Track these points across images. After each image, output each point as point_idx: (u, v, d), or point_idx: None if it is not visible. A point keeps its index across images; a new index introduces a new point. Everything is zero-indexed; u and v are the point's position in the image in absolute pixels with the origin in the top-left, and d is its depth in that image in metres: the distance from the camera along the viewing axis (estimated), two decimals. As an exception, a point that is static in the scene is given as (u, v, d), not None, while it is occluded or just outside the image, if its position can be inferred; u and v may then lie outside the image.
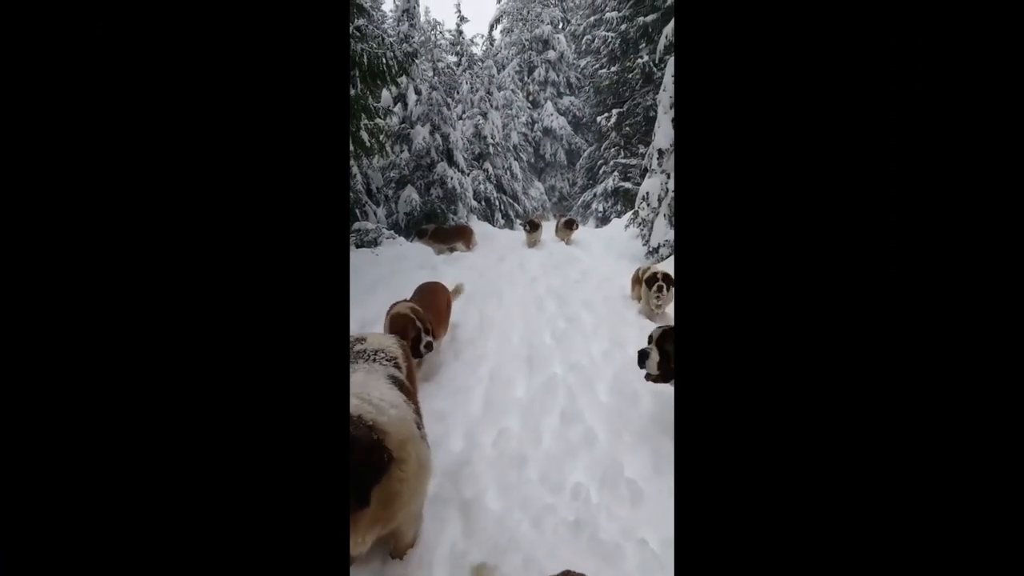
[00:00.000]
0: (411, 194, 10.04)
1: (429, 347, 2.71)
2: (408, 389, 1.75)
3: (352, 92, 6.30)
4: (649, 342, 2.42)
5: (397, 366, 1.89)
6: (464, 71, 15.11)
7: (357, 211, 7.43)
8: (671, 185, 6.76)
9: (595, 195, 13.65)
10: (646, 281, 4.43)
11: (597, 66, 14.73)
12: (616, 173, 12.80)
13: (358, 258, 6.24)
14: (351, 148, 6.46)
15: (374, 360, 1.83)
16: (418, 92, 10.47)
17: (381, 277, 5.89)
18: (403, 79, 9.64)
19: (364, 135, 6.67)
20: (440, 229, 8.83)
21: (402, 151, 10.43)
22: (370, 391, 1.51)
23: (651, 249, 7.13)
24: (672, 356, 2.29)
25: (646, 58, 11.13)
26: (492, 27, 22.95)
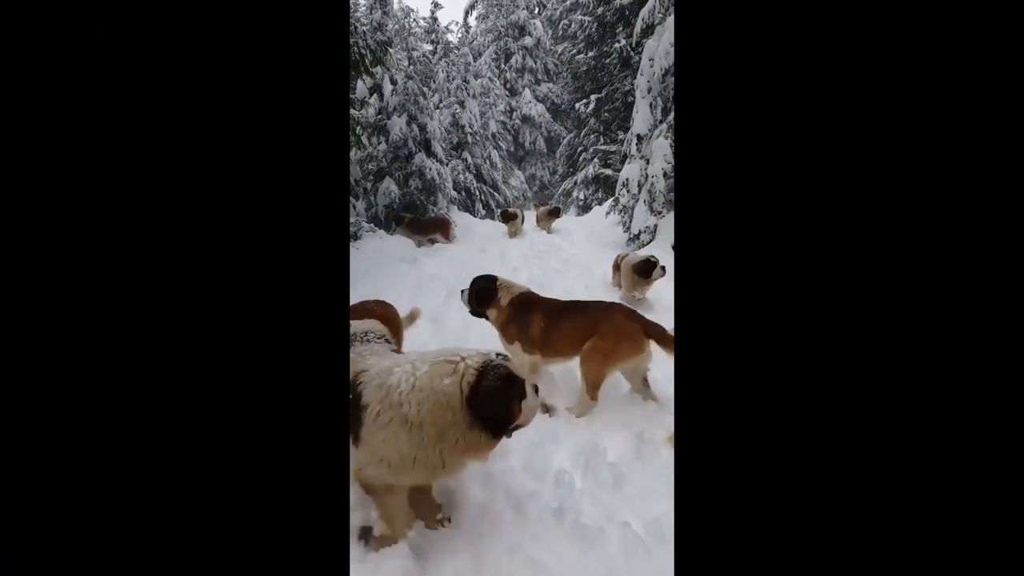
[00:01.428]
0: (390, 186, 9.92)
1: None
2: None
3: None
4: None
5: (388, 341, 1.97)
6: (440, 59, 14.91)
7: (335, 204, 7.32)
8: (650, 171, 6.79)
9: (576, 183, 13.65)
10: (636, 268, 4.40)
11: (574, 51, 14.64)
12: (596, 160, 12.80)
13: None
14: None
15: (369, 341, 1.87)
16: (394, 82, 10.29)
17: (361, 270, 5.83)
18: (378, 69, 9.46)
19: None
20: (417, 220, 8.76)
21: (379, 143, 10.27)
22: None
23: (632, 236, 7.18)
24: (474, 296, 2.88)
25: (623, 42, 11.09)
26: (467, 13, 22.63)
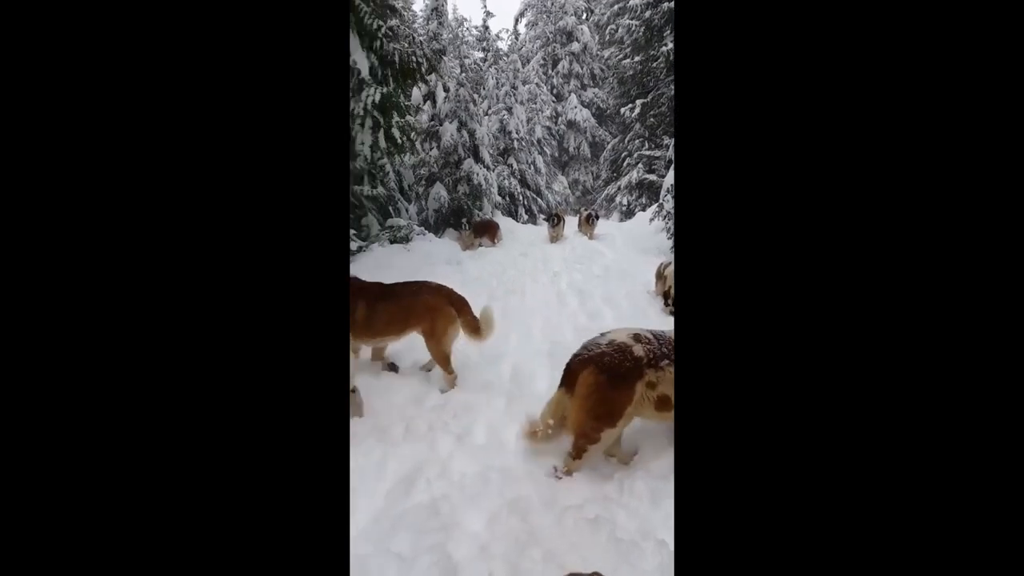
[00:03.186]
0: (440, 191, 10.17)
1: None
2: None
3: (386, 90, 6.41)
4: None
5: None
6: (490, 66, 15.12)
7: (391, 208, 7.60)
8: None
9: (619, 188, 13.48)
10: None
11: (621, 56, 14.47)
12: (640, 165, 12.60)
13: (391, 253, 6.44)
14: (384, 146, 6.55)
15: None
16: (446, 89, 10.54)
17: (411, 271, 6.01)
18: (432, 76, 9.72)
19: (396, 132, 6.75)
20: (479, 223, 9.05)
21: (431, 148, 10.55)
22: None
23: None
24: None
25: (670, 46, 10.89)
26: (517, 21, 22.82)
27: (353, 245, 6.17)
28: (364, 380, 2.87)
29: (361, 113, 6.31)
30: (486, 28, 17.41)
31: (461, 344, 3.21)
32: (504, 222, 10.47)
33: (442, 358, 2.90)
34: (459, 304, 2.91)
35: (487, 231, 8.81)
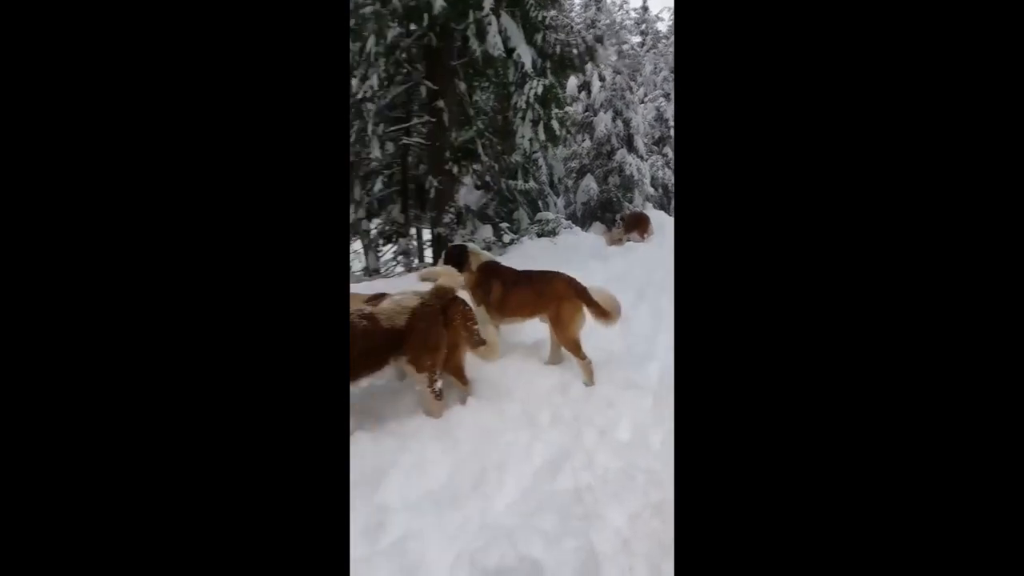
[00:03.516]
0: (589, 183, 10.21)
1: None
2: None
3: (547, 82, 6.55)
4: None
5: None
6: (648, 51, 14.53)
7: (540, 202, 7.84)
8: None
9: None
10: None
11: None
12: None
13: (537, 247, 6.65)
14: (542, 139, 6.71)
15: None
16: (602, 78, 10.47)
17: (556, 265, 6.16)
18: (588, 66, 9.73)
19: (555, 124, 6.84)
20: (632, 216, 8.93)
21: (583, 140, 10.60)
22: None
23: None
24: (448, 262, 3.16)
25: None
26: (682, -2, 21.42)
27: (506, 238, 6.51)
28: (513, 364, 3.08)
29: (523, 106, 6.54)
30: (645, 9, 16.70)
31: (604, 340, 3.23)
32: (655, 216, 10.09)
33: (571, 344, 3.03)
34: (584, 295, 3.09)
35: (637, 225, 8.59)
